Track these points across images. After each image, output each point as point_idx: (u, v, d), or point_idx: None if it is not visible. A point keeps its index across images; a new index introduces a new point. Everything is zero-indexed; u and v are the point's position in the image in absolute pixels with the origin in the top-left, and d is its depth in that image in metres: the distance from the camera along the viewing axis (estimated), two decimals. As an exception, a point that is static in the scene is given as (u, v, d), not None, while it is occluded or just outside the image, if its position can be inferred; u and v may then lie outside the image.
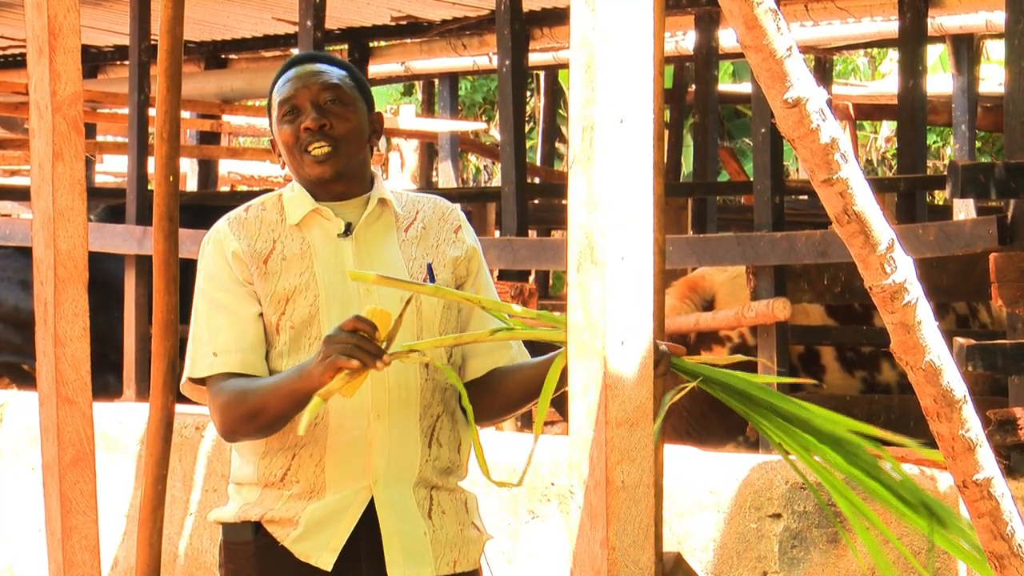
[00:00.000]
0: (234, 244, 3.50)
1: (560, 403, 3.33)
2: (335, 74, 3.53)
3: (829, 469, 3.18)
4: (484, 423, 3.62)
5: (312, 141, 3.47)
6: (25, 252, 9.64)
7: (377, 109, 3.62)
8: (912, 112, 9.39)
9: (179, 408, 4.22)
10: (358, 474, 3.44)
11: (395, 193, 3.59)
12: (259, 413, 3.39)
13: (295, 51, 11.77)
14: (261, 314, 3.48)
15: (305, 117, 3.48)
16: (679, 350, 3.29)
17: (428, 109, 15.89)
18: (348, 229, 3.51)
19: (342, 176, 3.50)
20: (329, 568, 3.44)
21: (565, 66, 13.07)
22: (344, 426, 3.44)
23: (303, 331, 3.45)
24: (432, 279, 3.52)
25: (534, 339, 3.33)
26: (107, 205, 10.02)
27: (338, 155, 3.48)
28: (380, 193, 3.53)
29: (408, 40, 11.94)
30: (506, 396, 3.54)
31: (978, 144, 16.41)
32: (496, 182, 21.04)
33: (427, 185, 14.93)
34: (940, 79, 14.23)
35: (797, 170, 18.29)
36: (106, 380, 8.97)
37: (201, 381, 3.51)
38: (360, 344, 3.21)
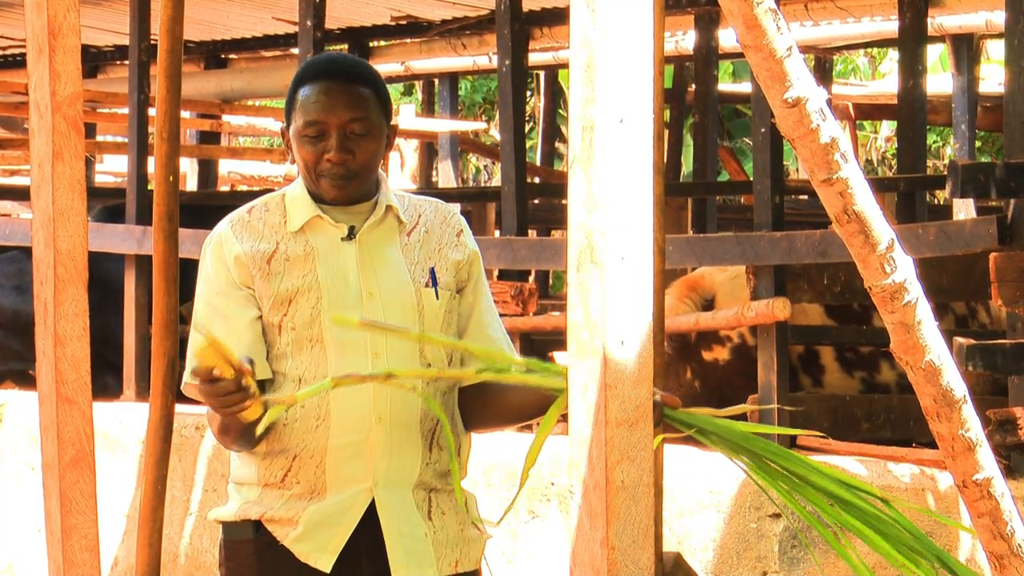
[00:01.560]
0: (236, 248, 3.50)
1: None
2: (364, 96, 3.50)
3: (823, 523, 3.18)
4: (477, 430, 3.62)
5: (332, 172, 3.47)
6: (16, 258, 9.64)
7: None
8: (912, 112, 9.38)
9: (179, 408, 4.22)
10: (359, 476, 3.45)
11: (398, 195, 3.59)
12: (225, 430, 3.42)
13: (295, 51, 11.77)
14: (260, 317, 3.49)
15: (329, 145, 3.47)
16: (674, 402, 3.28)
17: (428, 109, 15.89)
18: (351, 233, 3.51)
19: (353, 199, 3.52)
20: (328, 569, 3.44)
21: (565, 66, 13.07)
22: (345, 429, 3.44)
23: (304, 332, 3.46)
24: (435, 282, 3.53)
25: (526, 384, 3.30)
26: (104, 206, 10.01)
27: (355, 182, 3.50)
28: (387, 200, 3.54)
29: (408, 40, 11.94)
30: (502, 410, 3.55)
31: (978, 144, 16.42)
32: (496, 182, 21.04)
33: (427, 185, 14.93)
34: (940, 79, 14.22)
35: (797, 170, 18.28)
36: (105, 381, 8.96)
37: None
38: (219, 396, 3.19)
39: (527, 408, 3.49)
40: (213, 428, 3.47)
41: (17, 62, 13.37)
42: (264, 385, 3.49)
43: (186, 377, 3.50)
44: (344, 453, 3.43)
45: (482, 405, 3.54)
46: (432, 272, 3.54)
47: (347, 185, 3.49)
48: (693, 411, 3.27)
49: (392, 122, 3.58)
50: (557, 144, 18.31)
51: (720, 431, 3.22)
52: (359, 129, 3.48)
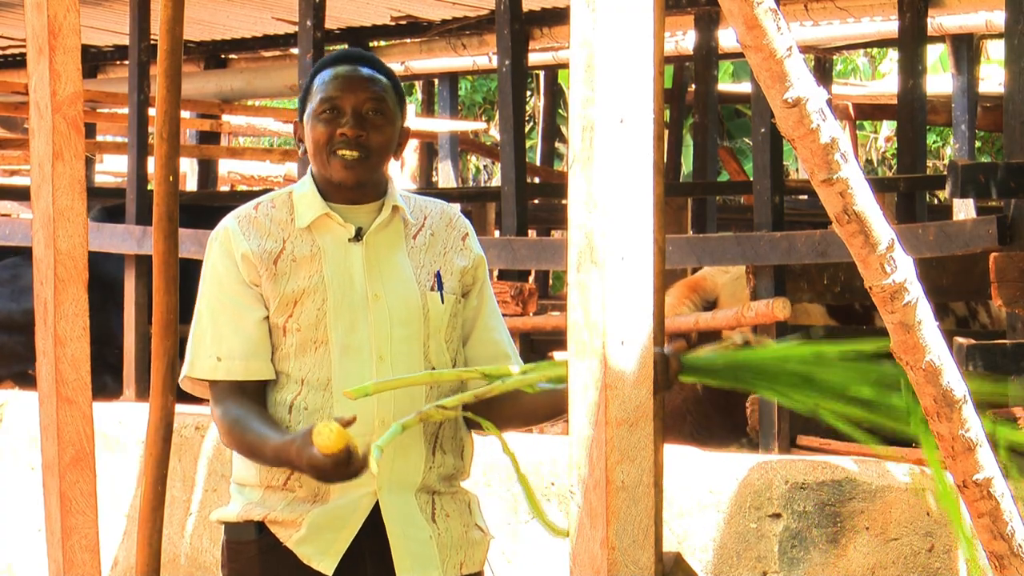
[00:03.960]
0: (244, 245, 3.48)
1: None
2: (381, 83, 3.51)
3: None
4: (486, 432, 3.61)
5: (345, 147, 3.45)
6: (10, 265, 9.66)
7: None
8: (912, 112, 9.39)
9: (179, 408, 4.21)
10: (363, 480, 3.42)
11: (403, 196, 3.58)
12: (252, 455, 3.44)
13: (295, 51, 11.77)
14: (267, 317, 3.48)
15: (344, 122, 3.46)
16: (680, 346, 3.29)
17: (428, 109, 15.89)
18: (359, 234, 3.50)
19: (363, 185, 3.50)
20: (330, 572, 3.43)
21: (565, 66, 13.07)
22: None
23: (309, 334, 3.44)
24: (440, 286, 3.52)
25: (528, 384, 3.30)
26: (102, 206, 10.00)
27: (366, 165, 3.47)
28: (394, 200, 3.53)
29: (408, 40, 11.94)
30: (512, 414, 3.52)
31: (978, 144, 16.42)
32: (496, 182, 21.04)
33: (427, 185, 14.93)
34: (940, 79, 14.23)
35: (797, 170, 18.29)
36: (104, 381, 8.96)
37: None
38: (349, 474, 3.23)
39: (538, 410, 3.49)
40: (237, 446, 3.45)
41: (17, 62, 13.37)
42: (265, 385, 3.49)
43: (215, 370, 3.47)
44: (349, 456, 3.42)
45: (491, 410, 3.50)
46: (438, 276, 3.53)
47: (358, 166, 3.45)
48: (698, 354, 3.27)
49: (405, 123, 3.58)
50: (557, 144, 18.32)
51: (730, 362, 3.23)
52: (374, 109, 3.47)
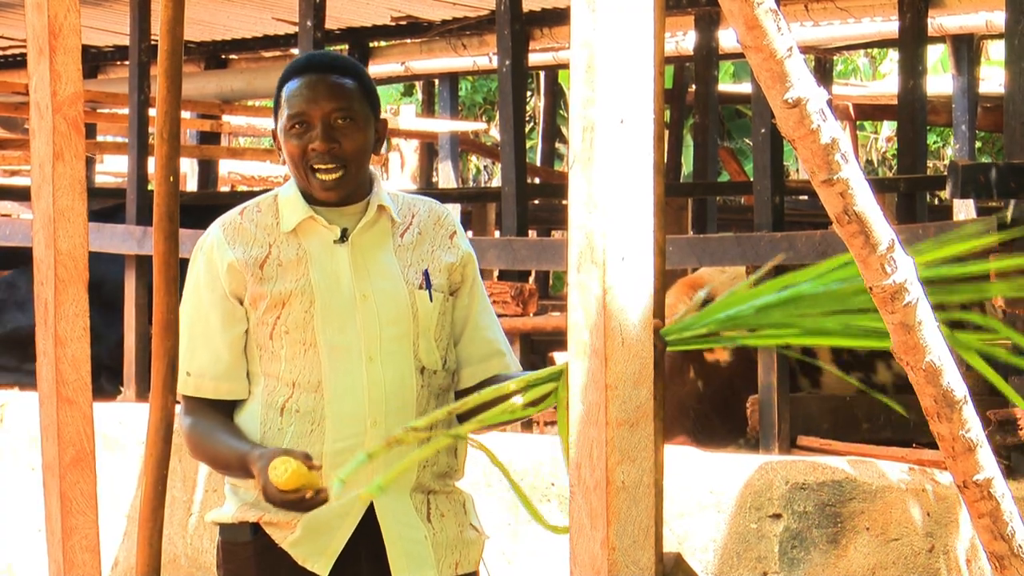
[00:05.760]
0: (229, 255, 3.48)
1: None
2: (347, 86, 3.49)
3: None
4: (481, 430, 3.60)
5: (319, 162, 3.45)
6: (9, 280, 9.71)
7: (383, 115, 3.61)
8: (912, 112, 9.39)
9: (179, 409, 4.22)
10: (356, 481, 3.42)
11: (391, 195, 3.57)
12: (216, 466, 3.52)
13: (295, 51, 11.77)
14: (245, 331, 3.48)
15: (314, 136, 3.44)
16: (658, 324, 3.25)
17: (428, 109, 15.90)
18: (344, 235, 3.49)
19: (347, 196, 3.50)
20: (325, 573, 3.42)
21: (565, 66, 13.07)
22: (341, 434, 3.43)
23: (297, 336, 3.43)
24: (428, 285, 3.51)
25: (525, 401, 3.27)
26: (92, 211, 9.99)
27: (346, 177, 3.47)
28: (379, 200, 3.52)
29: (408, 40, 11.94)
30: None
31: (978, 144, 16.42)
32: (496, 182, 21.04)
33: (427, 185, 14.92)
34: (940, 79, 14.23)
35: (797, 170, 18.29)
36: (99, 382, 8.97)
37: None
38: (300, 509, 3.27)
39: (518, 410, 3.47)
40: (201, 456, 3.51)
41: (17, 62, 13.37)
42: (234, 403, 3.50)
43: (184, 384, 3.50)
44: (340, 458, 3.38)
45: (479, 407, 3.49)
46: (426, 274, 3.51)
47: (339, 183, 3.44)
48: (674, 325, 3.19)
49: (381, 116, 3.57)
50: (557, 144, 18.32)
51: (710, 315, 3.16)
52: (343, 117, 3.46)
